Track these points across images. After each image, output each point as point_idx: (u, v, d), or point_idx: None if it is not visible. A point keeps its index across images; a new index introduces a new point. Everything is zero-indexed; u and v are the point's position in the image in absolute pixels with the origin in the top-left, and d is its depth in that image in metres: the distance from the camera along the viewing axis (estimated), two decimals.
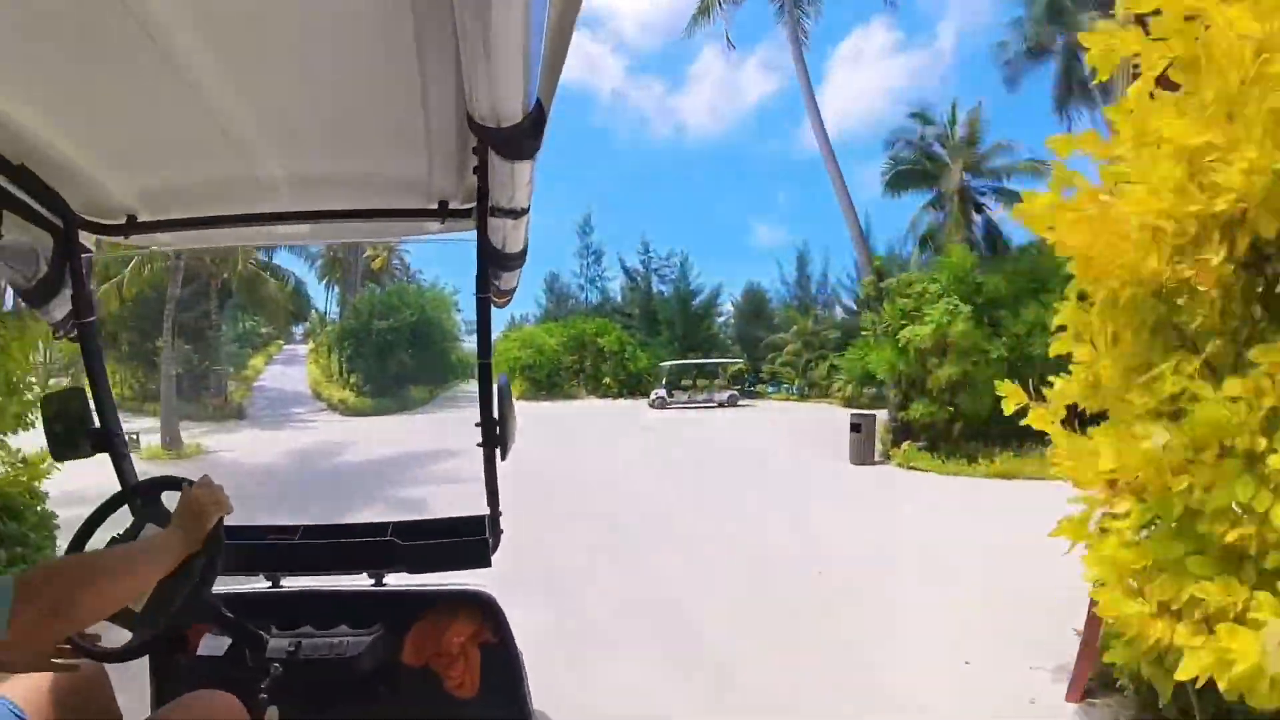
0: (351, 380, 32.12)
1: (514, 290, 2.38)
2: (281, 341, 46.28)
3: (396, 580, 2.13)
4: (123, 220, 1.98)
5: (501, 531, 2.08)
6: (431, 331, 34.15)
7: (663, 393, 32.61)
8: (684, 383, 34.04)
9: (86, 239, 1.97)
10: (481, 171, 1.61)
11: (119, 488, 1.80)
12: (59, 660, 1.34)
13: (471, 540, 2.06)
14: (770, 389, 39.42)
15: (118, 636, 1.45)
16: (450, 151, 1.72)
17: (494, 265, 1.96)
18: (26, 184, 1.64)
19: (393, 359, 30.63)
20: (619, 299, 50.72)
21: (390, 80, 1.41)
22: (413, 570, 2.07)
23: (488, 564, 2.04)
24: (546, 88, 1.29)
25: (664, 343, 42.04)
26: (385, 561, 2.07)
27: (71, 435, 1.87)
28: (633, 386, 39.61)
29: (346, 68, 1.40)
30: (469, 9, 0.92)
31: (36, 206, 1.72)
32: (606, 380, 39.21)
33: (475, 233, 1.76)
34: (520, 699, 2.08)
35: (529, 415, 23.53)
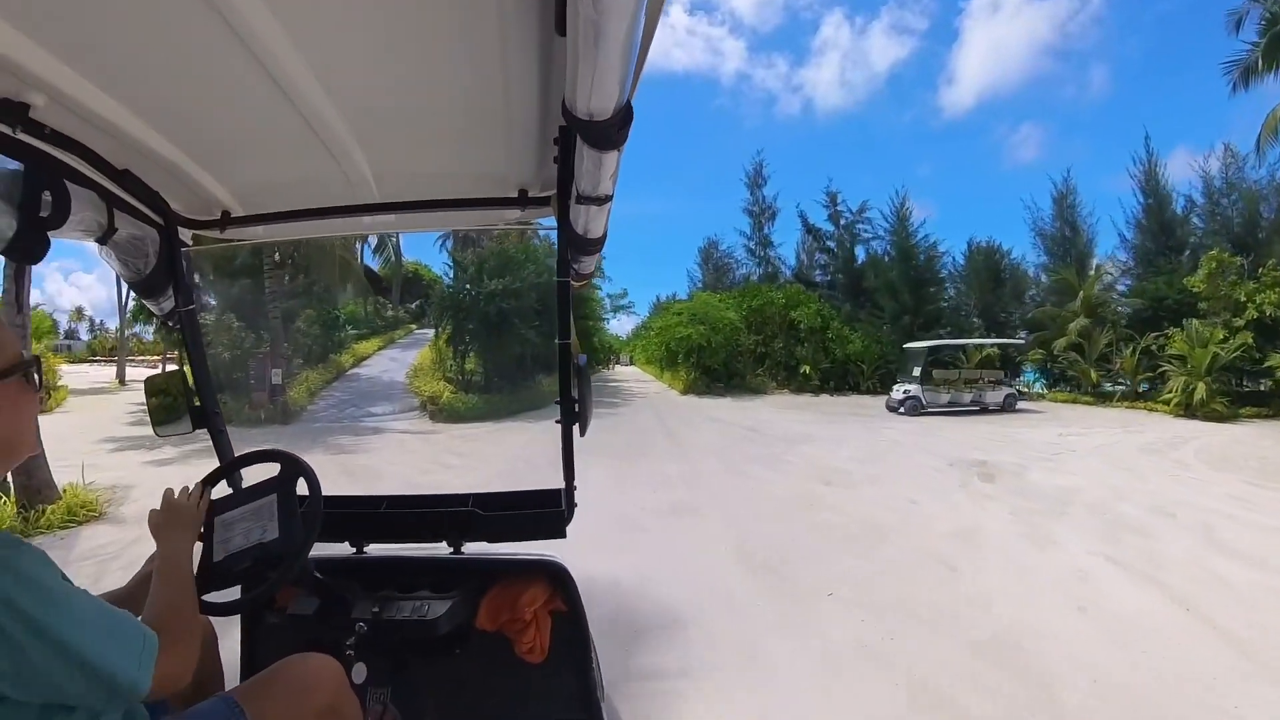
0: (451, 366, 23.69)
1: (592, 274, 2.49)
2: (414, 326, 42.96)
3: (473, 549, 2.26)
4: (218, 216, 2.17)
5: (575, 505, 2.26)
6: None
7: (915, 390, 21.34)
8: (935, 375, 22.50)
9: (185, 235, 2.19)
10: (564, 160, 1.66)
11: None
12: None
13: (548, 513, 2.26)
14: (1032, 382, 27.47)
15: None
16: (530, 141, 1.79)
17: (575, 250, 2.04)
18: (131, 187, 1.85)
19: (509, 336, 21.69)
20: (795, 265, 39.84)
21: (474, 75, 1.47)
22: (491, 540, 2.26)
23: (562, 535, 2.24)
24: (634, 82, 1.26)
25: (887, 318, 30.45)
26: (465, 532, 2.24)
27: (173, 413, 2.18)
28: (839, 377, 28.63)
29: (431, 64, 1.45)
30: (584, 7, 0.94)
31: (140, 207, 1.95)
32: (805, 369, 28.25)
33: (554, 219, 1.93)
34: (588, 667, 2.19)
35: (708, 450, 12.96)
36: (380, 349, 35.59)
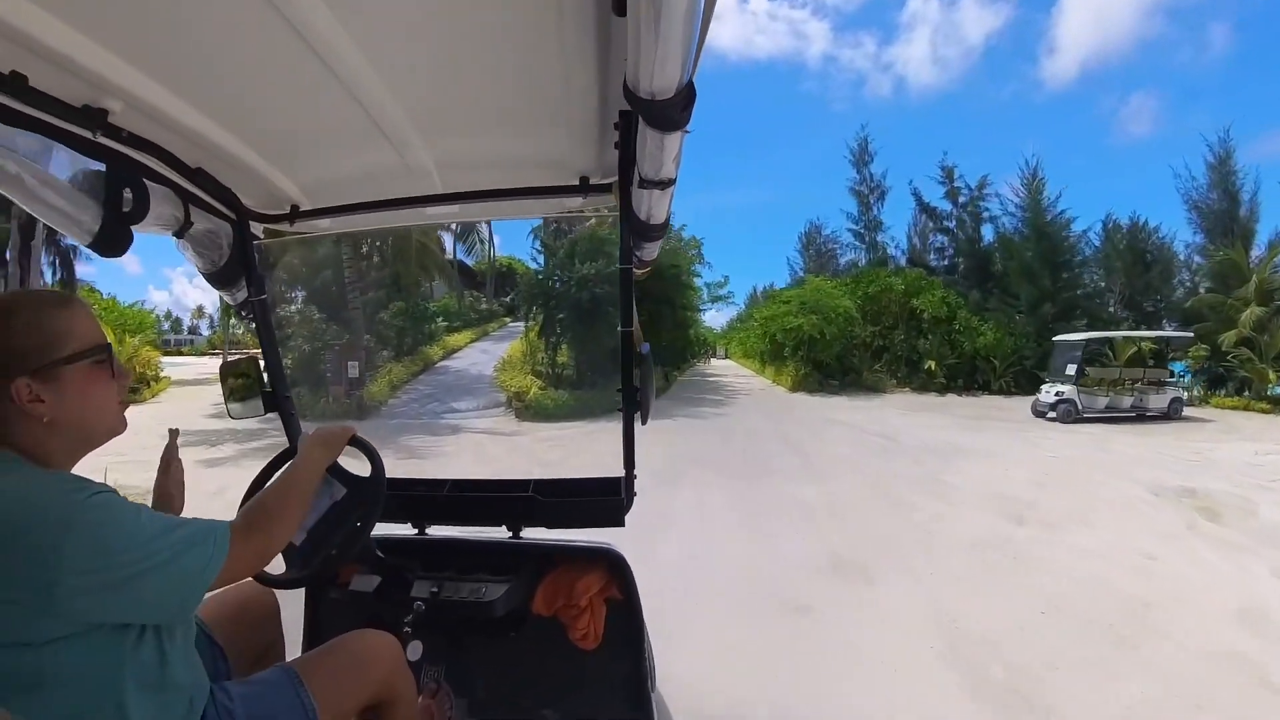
0: (541, 359, 22.23)
1: (654, 261, 2.39)
2: (508, 319, 42.60)
3: (531, 534, 2.29)
4: (286, 210, 2.26)
5: (635, 494, 2.21)
6: (663, 286, 22.06)
7: (1069, 392, 18.38)
8: (1090, 374, 19.43)
9: (256, 229, 2.29)
10: (625, 145, 1.68)
11: None
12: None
13: (607, 500, 2.23)
14: (1189, 383, 23.49)
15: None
16: (590, 128, 1.80)
17: (637, 236, 2.00)
18: (204, 184, 1.95)
19: (603, 325, 19.61)
20: (907, 249, 36.80)
21: (533, 62, 1.48)
22: (551, 526, 2.27)
23: (621, 523, 2.21)
24: (695, 60, 1.23)
25: (1022, 305, 27.24)
26: (526, 516, 2.26)
27: (247, 397, 2.23)
28: (966, 375, 25.69)
29: (491, 54, 1.47)
30: None
31: (214, 203, 2.04)
32: (929, 365, 25.49)
33: (616, 206, 1.98)
34: (640, 655, 2.21)
35: (843, 465, 11.12)
36: (472, 341, 35.11)
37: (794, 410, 19.68)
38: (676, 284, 22.59)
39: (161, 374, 25.32)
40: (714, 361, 46.16)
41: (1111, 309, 29.17)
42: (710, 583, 5.33)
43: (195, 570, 1.13)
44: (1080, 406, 18.15)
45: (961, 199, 34.21)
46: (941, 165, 35.05)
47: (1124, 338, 22.44)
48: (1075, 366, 18.92)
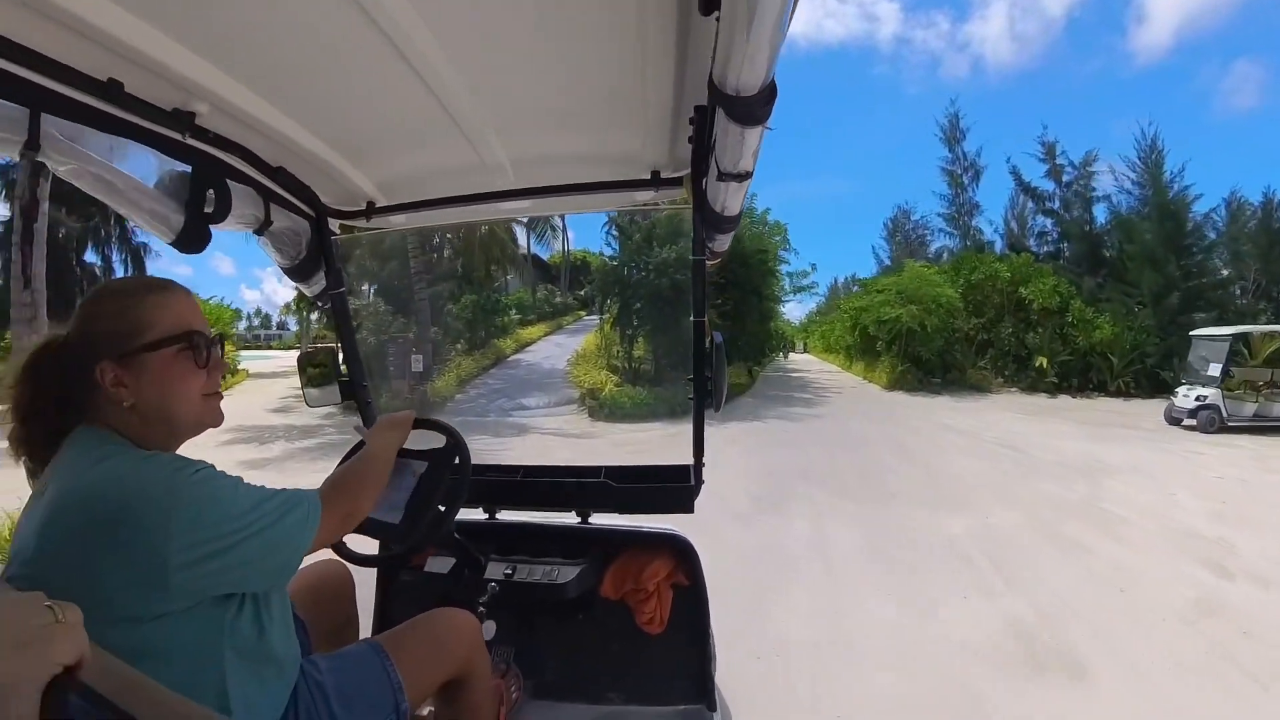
0: (617, 353, 21.04)
1: (726, 251, 2.39)
2: (583, 312, 42.85)
3: (600, 519, 2.40)
4: (363, 206, 2.33)
5: (703, 481, 2.29)
6: (748, 274, 20.21)
7: (1213, 397, 16.09)
8: (1235, 376, 17.17)
9: (334, 224, 2.36)
10: (700, 139, 1.72)
11: None
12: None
13: (677, 487, 2.31)
14: None
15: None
16: (663, 123, 1.84)
17: (710, 227, 2.03)
18: (285, 182, 2.03)
19: (684, 314, 17.70)
20: (1004, 232, 34.36)
21: (611, 60, 1.53)
22: (621, 511, 2.38)
23: (690, 510, 2.28)
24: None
25: (1144, 295, 24.75)
26: (597, 502, 2.37)
27: (323, 385, 2.35)
28: (1080, 373, 23.50)
29: (570, 52, 1.51)
30: None
31: (294, 200, 2.13)
32: (1040, 362, 23.41)
33: (685, 199, 2.08)
34: (705, 641, 2.26)
35: (978, 485, 9.59)
36: (546, 334, 34.75)
37: (896, 412, 18.14)
38: (763, 272, 21.11)
39: (239, 367, 25.72)
40: (793, 356, 44.23)
41: (1240, 299, 26.35)
42: (866, 689, 3.96)
43: (294, 535, 1.20)
44: (1226, 413, 16.00)
45: (1065, 177, 31.63)
46: (1041, 140, 32.45)
47: (1264, 333, 19.88)
48: (1220, 367, 16.66)
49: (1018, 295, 24.81)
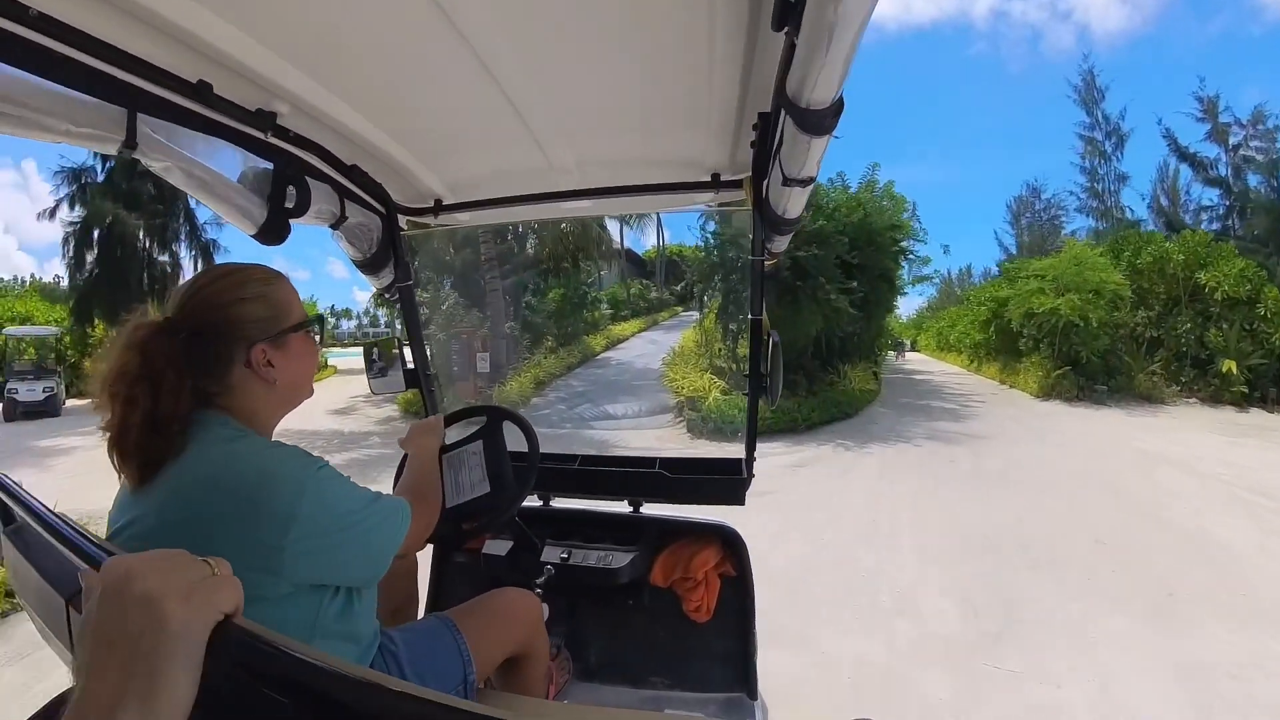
0: (720, 351, 17.76)
1: (783, 252, 2.46)
2: (679, 308, 41.70)
3: (651, 508, 2.51)
4: (431, 204, 2.44)
5: (753, 475, 2.42)
6: (879, 259, 16.47)
7: None
8: None
9: (403, 220, 2.46)
10: (764, 144, 1.77)
11: None
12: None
13: (729, 480, 2.43)
14: None
15: None
16: (726, 127, 1.91)
17: (771, 229, 2.08)
18: (358, 179, 2.10)
19: (807, 304, 14.74)
20: (1149, 208, 30.09)
21: (679, 67, 1.59)
22: (674, 502, 2.47)
23: (741, 502, 2.41)
24: None
25: None
26: (651, 491, 2.48)
27: (387, 373, 2.43)
28: (1273, 379, 19.22)
29: (641, 58, 1.58)
30: (821, 10, 0.97)
31: (366, 197, 2.20)
32: (1226, 366, 19.22)
33: (745, 201, 2.15)
34: (749, 631, 2.36)
35: None
36: (640, 331, 32.70)
37: (1067, 430, 14.63)
38: (894, 253, 17.38)
39: (327, 363, 24.90)
40: (908, 355, 39.71)
41: None
42: None
43: (390, 539, 1.30)
44: None
45: (1232, 139, 27.02)
46: (1198, 96, 27.85)
47: None
48: None
49: (1193, 282, 20.63)
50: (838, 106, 1.23)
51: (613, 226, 32.99)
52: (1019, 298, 20.97)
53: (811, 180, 1.63)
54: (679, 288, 40.38)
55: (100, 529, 1.16)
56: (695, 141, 2.03)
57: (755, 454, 2.42)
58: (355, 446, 13.40)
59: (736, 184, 2.22)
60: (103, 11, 1.19)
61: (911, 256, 17.70)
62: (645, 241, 45.34)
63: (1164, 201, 31.52)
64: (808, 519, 7.86)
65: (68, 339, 22.37)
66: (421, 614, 2.14)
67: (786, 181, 1.62)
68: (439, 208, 2.45)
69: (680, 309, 39.63)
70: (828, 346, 16.58)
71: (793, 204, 1.88)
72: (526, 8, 1.35)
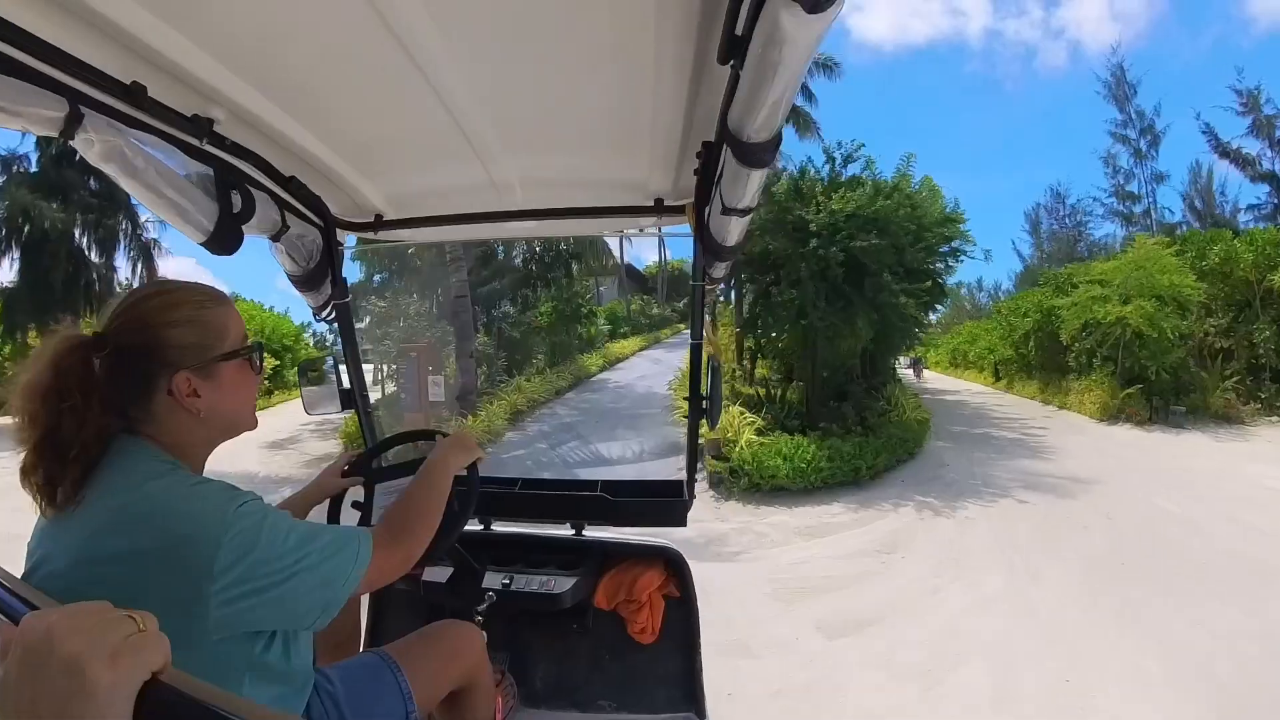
0: (738, 373, 14.57)
1: (723, 278, 2.54)
2: (681, 326, 40.11)
3: (594, 531, 2.48)
4: (371, 219, 2.37)
5: (694, 497, 2.42)
6: (929, 257, 12.96)
7: None
8: None
9: (342, 235, 2.41)
10: (706, 173, 1.82)
11: None
12: None
13: (671, 502, 2.42)
14: None
15: None
16: (670, 154, 1.93)
17: (712, 255, 2.10)
18: (296, 191, 2.02)
19: (860, 305, 11.64)
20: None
21: (626, 93, 1.61)
22: (617, 525, 2.47)
23: (684, 524, 2.40)
24: None
25: None
26: (593, 515, 2.45)
27: (323, 395, 2.37)
28: None
29: (588, 82, 1.60)
30: (769, 43, 0.99)
31: (304, 210, 2.12)
32: None
33: (688, 227, 2.13)
34: (694, 652, 2.38)
35: None
36: (643, 349, 30.95)
37: (1170, 466, 11.81)
38: (944, 257, 13.80)
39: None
40: (926, 373, 35.70)
41: None
42: None
43: (338, 576, 1.15)
44: None
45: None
46: (1237, 89, 25.77)
47: None
48: None
49: (1267, 284, 18.09)
50: (775, 141, 1.29)
51: (611, 239, 31.09)
52: (1077, 306, 18.17)
53: (750, 210, 1.67)
54: (682, 304, 38.37)
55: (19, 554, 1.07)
56: (639, 166, 2.02)
57: (696, 475, 2.46)
58: (287, 487, 10.39)
59: (679, 209, 2.19)
60: (35, 5, 1.15)
61: (963, 258, 14.34)
62: (645, 257, 43.78)
63: (1198, 203, 29.48)
64: (955, 695, 4.56)
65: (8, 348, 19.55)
66: (360, 648, 2.12)
67: (726, 210, 1.66)
68: (379, 223, 2.38)
69: (683, 326, 38.41)
70: (871, 365, 13.87)
71: (732, 232, 1.89)
72: (473, 25, 1.34)
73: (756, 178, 1.47)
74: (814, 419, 12.25)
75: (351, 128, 1.82)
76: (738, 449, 10.39)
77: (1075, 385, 18.91)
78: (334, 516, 1.88)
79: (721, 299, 14.97)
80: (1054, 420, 17.46)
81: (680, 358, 20.18)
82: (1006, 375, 25.21)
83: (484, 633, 1.92)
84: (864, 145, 13.16)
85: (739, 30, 1.07)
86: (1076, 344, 18.51)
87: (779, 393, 13.87)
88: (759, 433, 10.97)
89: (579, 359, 23.29)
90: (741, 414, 11.58)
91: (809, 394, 13.27)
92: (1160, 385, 16.78)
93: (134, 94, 1.37)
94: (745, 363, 14.63)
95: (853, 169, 13.19)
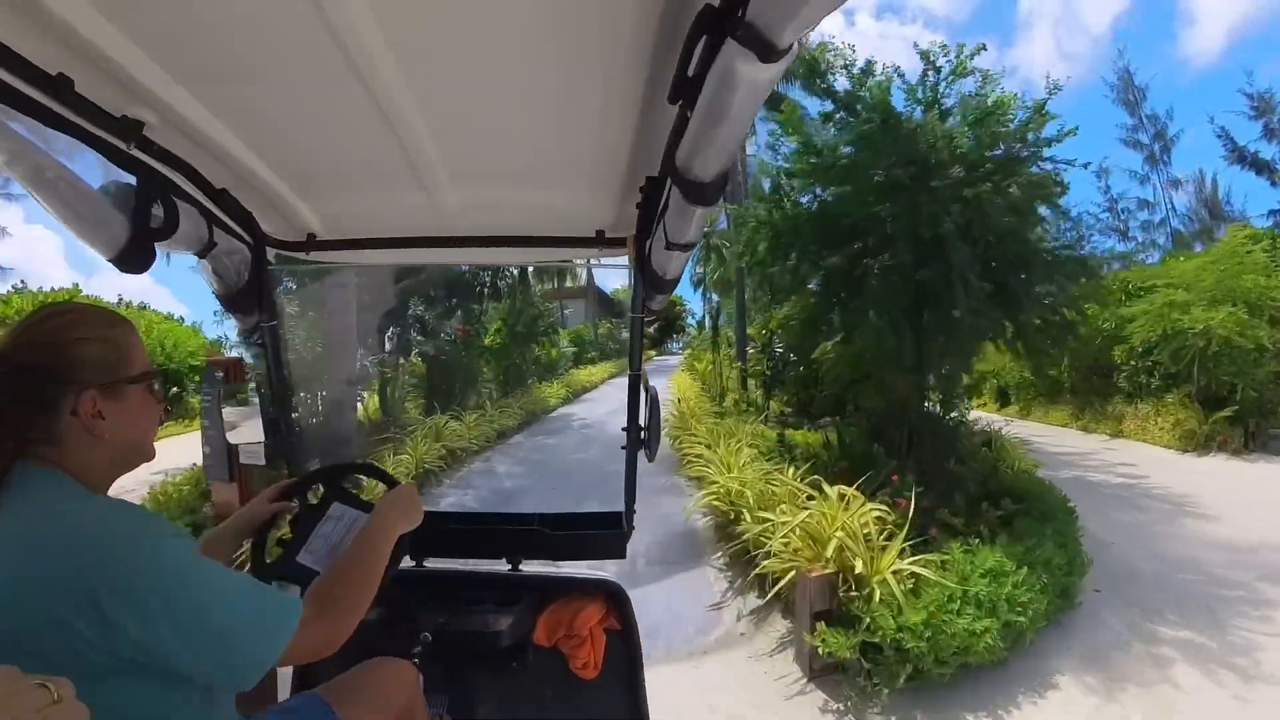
0: (787, 397, 11.11)
1: (662, 311, 2.46)
2: (653, 353, 39.74)
3: (531, 566, 2.40)
4: (304, 238, 2.25)
5: (633, 528, 2.37)
6: (1023, 251, 7.68)
7: None
8: None
9: (273, 255, 2.28)
10: (648, 207, 1.80)
11: None
12: None
13: (609, 534, 2.39)
14: None
15: None
16: (613, 187, 1.93)
17: (652, 288, 2.09)
18: (227, 205, 1.91)
19: (963, 289, 6.60)
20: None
21: (571, 125, 1.60)
22: (555, 559, 2.44)
23: (623, 555, 2.39)
24: None
25: None
26: (530, 549, 2.38)
27: (245, 415, 2.37)
28: None
29: (535, 110, 1.55)
30: (722, 87, 0.99)
31: (234, 225, 2.01)
32: None
33: (628, 259, 2.13)
34: (637, 685, 2.32)
35: None
36: (610, 377, 28.97)
37: None
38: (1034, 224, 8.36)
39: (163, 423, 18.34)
40: None
41: None
42: None
43: (260, 642, 1.09)
44: None
45: None
46: (1247, 93, 24.00)
47: None
48: None
49: None
50: (721, 181, 1.29)
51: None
52: (1150, 316, 14.80)
53: (692, 245, 1.66)
54: (653, 330, 35.87)
55: None
56: (581, 197, 2.01)
57: (634, 507, 2.38)
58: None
59: (620, 242, 2.18)
60: None
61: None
62: (607, 285, 41.06)
63: (1203, 213, 27.66)
64: None
65: None
66: (288, 692, 2.04)
67: (669, 245, 1.64)
68: (312, 243, 2.26)
69: (654, 353, 37.01)
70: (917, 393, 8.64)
71: (673, 266, 1.91)
72: (426, 50, 1.30)
73: (701, 215, 1.48)
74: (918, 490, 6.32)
75: (290, 143, 1.73)
76: (872, 590, 4.55)
77: (1129, 410, 15.98)
78: (258, 548, 1.74)
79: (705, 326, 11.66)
80: (1123, 453, 14.13)
81: (664, 385, 16.87)
82: (1020, 399, 22.30)
83: (420, 672, 1.89)
84: (985, 48, 8.09)
85: (691, 72, 1.07)
86: (1133, 361, 15.62)
87: (835, 438, 9.18)
88: (905, 546, 5.06)
89: (536, 388, 19.81)
90: (853, 506, 5.50)
91: (903, 444, 8.18)
92: (1245, 406, 13.86)
93: (59, 87, 1.25)
94: (757, 392, 11.10)
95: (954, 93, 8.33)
